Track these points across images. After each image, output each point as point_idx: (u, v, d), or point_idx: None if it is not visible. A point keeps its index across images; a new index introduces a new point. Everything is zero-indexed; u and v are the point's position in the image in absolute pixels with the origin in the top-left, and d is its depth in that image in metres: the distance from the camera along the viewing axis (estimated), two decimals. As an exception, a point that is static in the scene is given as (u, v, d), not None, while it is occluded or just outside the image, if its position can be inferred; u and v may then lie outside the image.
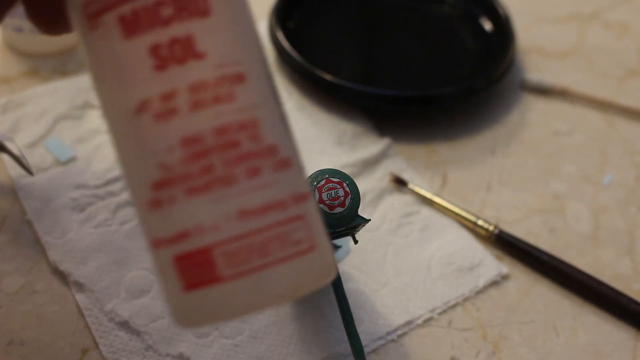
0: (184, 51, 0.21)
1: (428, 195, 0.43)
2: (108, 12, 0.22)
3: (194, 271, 0.22)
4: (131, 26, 0.21)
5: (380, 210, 0.43)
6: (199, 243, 0.21)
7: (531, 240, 0.41)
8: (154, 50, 0.21)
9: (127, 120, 0.22)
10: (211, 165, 0.21)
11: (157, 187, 0.22)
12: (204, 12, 0.22)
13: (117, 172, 0.43)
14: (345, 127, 0.48)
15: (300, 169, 0.24)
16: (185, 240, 0.22)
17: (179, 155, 0.21)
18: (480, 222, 0.41)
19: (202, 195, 0.21)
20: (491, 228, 0.41)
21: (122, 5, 0.22)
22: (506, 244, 0.41)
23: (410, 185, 0.43)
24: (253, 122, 0.22)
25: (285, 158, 0.23)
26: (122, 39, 0.22)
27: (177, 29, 0.21)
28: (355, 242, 0.34)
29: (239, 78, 0.22)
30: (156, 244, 0.22)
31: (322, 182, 0.32)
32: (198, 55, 0.21)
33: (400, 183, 0.44)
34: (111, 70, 0.22)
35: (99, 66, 0.23)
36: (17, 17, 0.48)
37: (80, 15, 0.23)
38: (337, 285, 0.34)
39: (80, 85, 0.48)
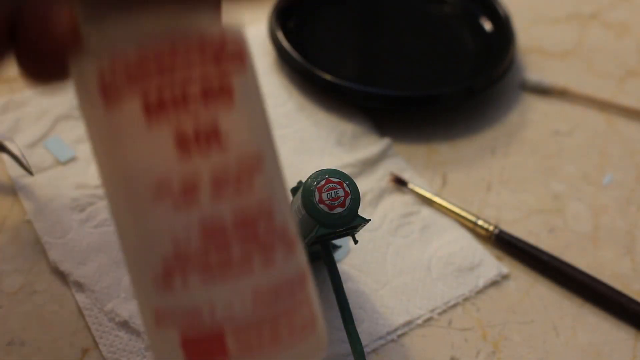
0: (208, 139, 0.21)
1: (428, 195, 0.43)
2: (130, 92, 0.21)
3: (204, 357, 0.21)
4: (157, 110, 0.21)
5: (380, 210, 0.43)
6: (211, 328, 0.21)
7: (531, 240, 0.41)
8: (179, 136, 0.21)
9: (142, 203, 0.21)
10: (229, 252, 0.21)
11: (169, 270, 0.21)
12: (229, 99, 0.21)
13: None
14: (345, 127, 0.48)
15: (300, 245, 0.23)
16: (197, 323, 0.21)
17: (197, 241, 0.21)
18: (480, 222, 0.41)
19: (218, 280, 0.21)
20: (491, 228, 0.41)
21: (146, 84, 0.21)
22: (506, 244, 0.41)
23: (410, 185, 0.43)
24: (269, 207, 0.22)
25: (292, 238, 0.23)
26: (145, 123, 0.21)
27: (204, 116, 0.21)
28: (355, 242, 0.34)
29: (258, 165, 0.22)
30: (161, 317, 0.22)
31: (322, 182, 0.32)
32: (222, 143, 0.21)
33: (400, 183, 0.44)
34: (128, 151, 0.21)
35: (113, 144, 0.21)
36: (17, 17, 0.48)
37: (93, 89, 0.21)
38: (337, 285, 0.34)
39: (80, 85, 0.48)
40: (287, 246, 0.22)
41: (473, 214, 0.42)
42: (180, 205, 0.21)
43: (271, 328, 0.21)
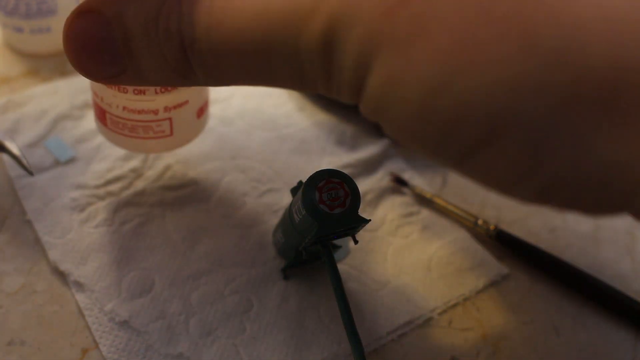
0: None
1: (428, 195, 0.43)
2: None
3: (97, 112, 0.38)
4: None
5: (380, 211, 0.43)
6: (103, 112, 0.37)
7: (531, 240, 0.41)
8: None
9: None
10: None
11: None
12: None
13: (117, 172, 0.43)
14: (345, 127, 0.48)
15: (184, 90, 0.36)
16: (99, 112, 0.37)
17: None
18: (480, 222, 0.41)
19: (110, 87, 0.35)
20: (491, 228, 0.41)
21: None
22: (506, 243, 0.41)
23: (411, 185, 0.43)
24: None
25: (167, 87, 0.35)
26: None
27: None
28: (356, 242, 0.34)
29: None
30: None
31: (322, 183, 0.32)
32: None
33: (401, 183, 0.44)
34: None
35: None
36: (17, 17, 0.48)
37: None
38: (338, 285, 0.34)
39: (80, 86, 0.48)
40: (160, 89, 0.35)
41: (472, 215, 0.42)
42: None
43: (131, 127, 0.37)
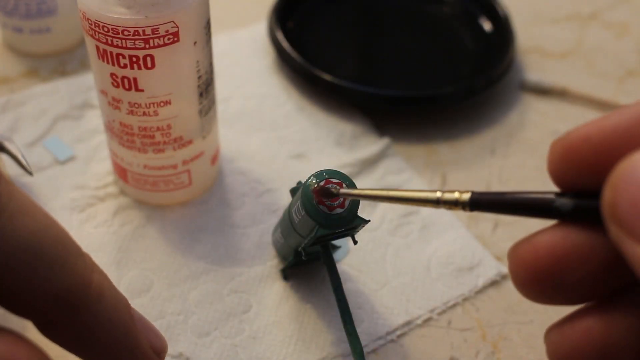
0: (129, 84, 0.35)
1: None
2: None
3: (120, 176, 0.41)
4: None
5: (379, 210, 0.43)
6: (122, 165, 0.40)
7: (531, 240, 0.41)
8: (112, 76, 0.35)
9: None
10: (134, 140, 0.38)
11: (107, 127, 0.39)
12: (150, 67, 0.34)
13: (116, 172, 0.43)
14: (344, 127, 0.48)
15: (196, 142, 0.39)
16: (117, 161, 0.40)
17: (118, 127, 0.37)
18: (445, 196, 0.26)
19: (125, 148, 0.38)
20: (461, 196, 0.26)
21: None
22: (484, 207, 0.26)
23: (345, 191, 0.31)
24: (168, 125, 0.37)
25: (184, 142, 0.38)
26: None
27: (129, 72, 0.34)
28: (355, 242, 0.34)
29: (166, 102, 0.36)
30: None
31: (322, 183, 0.32)
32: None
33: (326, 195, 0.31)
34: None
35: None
36: (17, 17, 0.48)
37: None
38: (337, 285, 0.34)
39: (79, 85, 0.48)
40: (178, 146, 0.38)
41: (432, 190, 0.27)
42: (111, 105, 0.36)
43: (152, 182, 0.40)
